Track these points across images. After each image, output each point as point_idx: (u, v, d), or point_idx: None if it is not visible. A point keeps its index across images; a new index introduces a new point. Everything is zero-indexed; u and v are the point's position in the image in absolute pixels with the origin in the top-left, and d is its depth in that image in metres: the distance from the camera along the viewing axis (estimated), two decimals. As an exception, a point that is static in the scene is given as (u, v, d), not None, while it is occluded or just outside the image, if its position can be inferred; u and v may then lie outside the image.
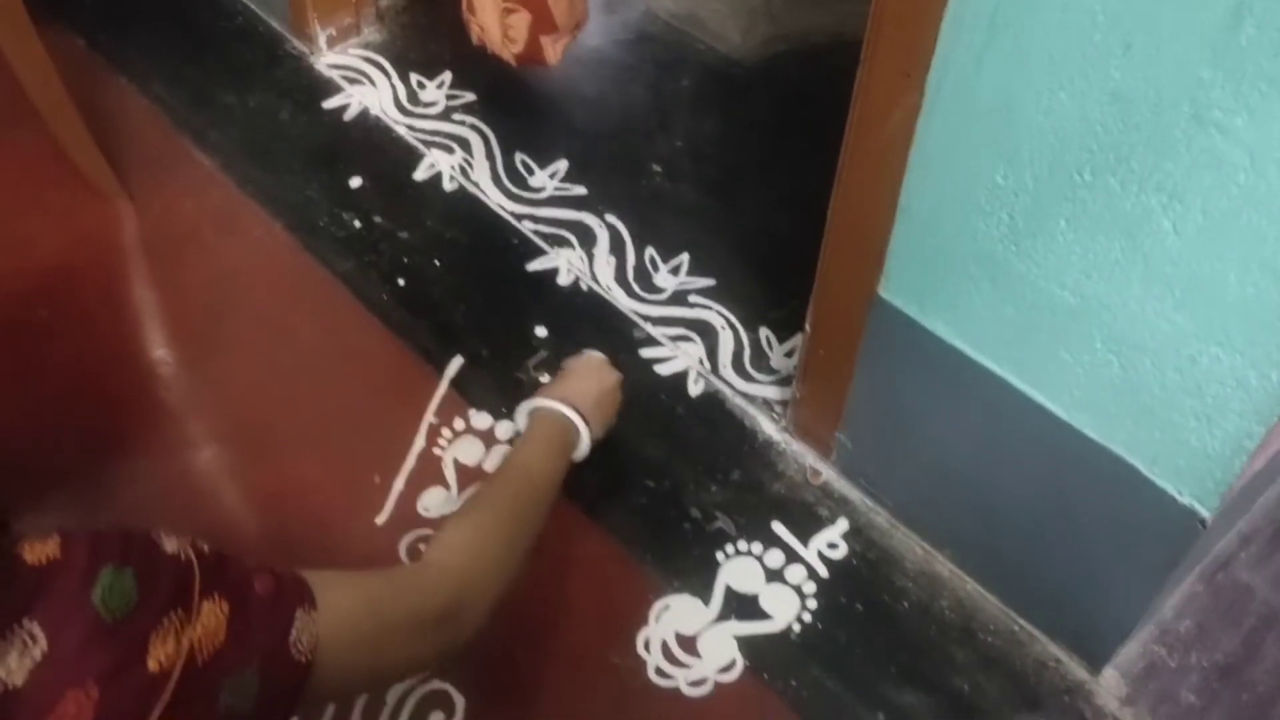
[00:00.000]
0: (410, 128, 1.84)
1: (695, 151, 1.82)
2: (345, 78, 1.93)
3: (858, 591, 1.30)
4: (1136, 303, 0.94)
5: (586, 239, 1.68)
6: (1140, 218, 0.90)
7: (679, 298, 1.60)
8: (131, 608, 0.65)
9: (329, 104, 1.88)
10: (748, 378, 1.51)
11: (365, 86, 1.91)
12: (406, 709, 1.20)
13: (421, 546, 1.32)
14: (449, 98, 1.90)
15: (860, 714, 1.21)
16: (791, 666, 1.24)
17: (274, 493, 1.38)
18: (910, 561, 1.33)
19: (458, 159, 1.79)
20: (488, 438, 1.44)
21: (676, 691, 1.22)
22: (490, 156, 1.80)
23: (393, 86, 1.91)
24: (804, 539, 1.34)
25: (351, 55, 1.97)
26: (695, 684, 1.23)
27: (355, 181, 1.75)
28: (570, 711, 1.21)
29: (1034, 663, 1.24)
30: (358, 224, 1.69)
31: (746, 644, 1.26)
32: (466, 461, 1.41)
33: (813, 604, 1.29)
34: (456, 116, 1.87)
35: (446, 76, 1.94)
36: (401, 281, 1.62)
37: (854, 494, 1.39)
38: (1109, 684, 1.22)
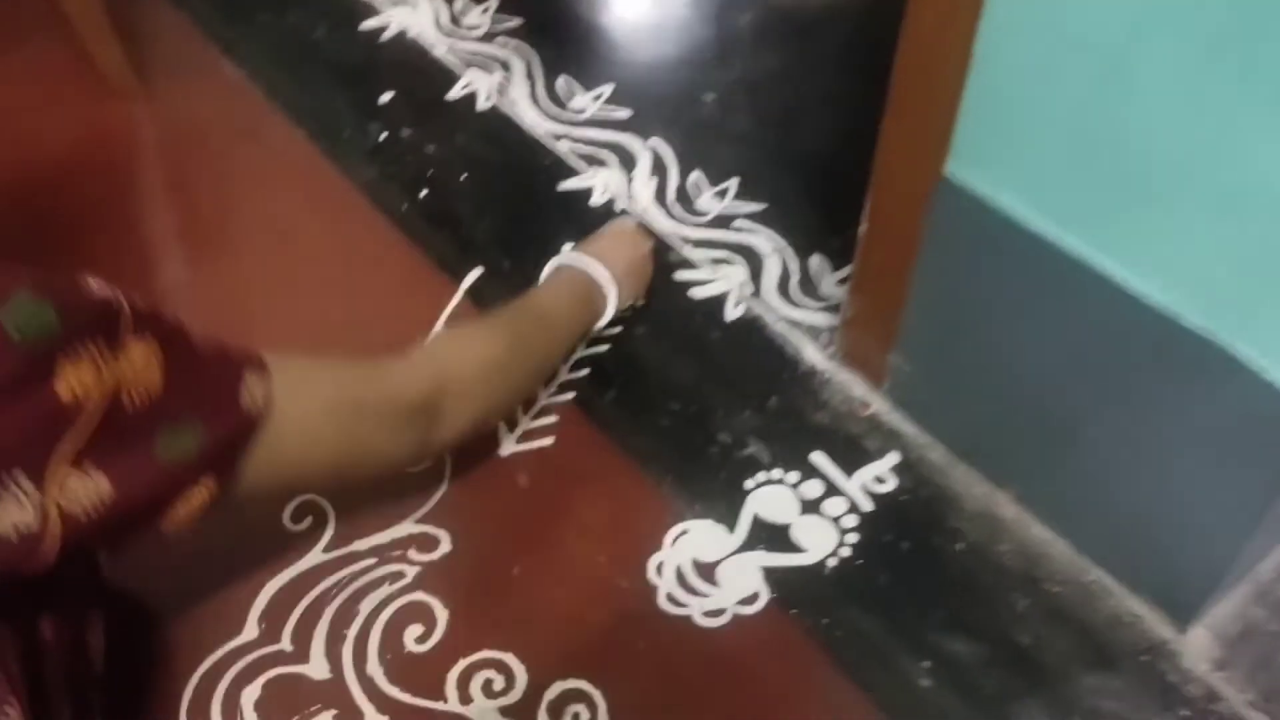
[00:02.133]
0: (449, 49, 1.73)
1: (752, 84, 1.68)
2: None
3: (906, 530, 1.13)
4: (1256, 148, 0.78)
5: (626, 160, 1.54)
6: (1261, 33, 0.74)
7: (723, 221, 1.46)
8: (46, 334, 0.59)
9: (366, 25, 1.78)
10: (794, 304, 1.35)
11: (405, 9, 1.80)
12: (382, 618, 1.05)
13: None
14: (494, 21, 1.79)
15: (902, 659, 1.04)
16: (824, 604, 1.08)
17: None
18: (968, 500, 1.16)
19: (495, 79, 1.67)
20: (501, 349, 1.30)
21: (688, 620, 1.06)
22: (530, 78, 1.68)
23: (434, 9, 1.80)
24: (847, 471, 1.18)
25: (395, -21, 1.87)
26: (711, 614, 1.07)
27: (385, 97, 1.65)
28: (568, 633, 1.06)
29: (1108, 617, 1.06)
30: (383, 136, 1.58)
31: (773, 576, 1.10)
32: (475, 371, 1.27)
33: (853, 539, 1.13)
34: (500, 39, 1.76)
35: (493, 3, 1.83)
36: (424, 193, 1.50)
37: (907, 427, 1.22)
38: (1198, 644, 1.04)
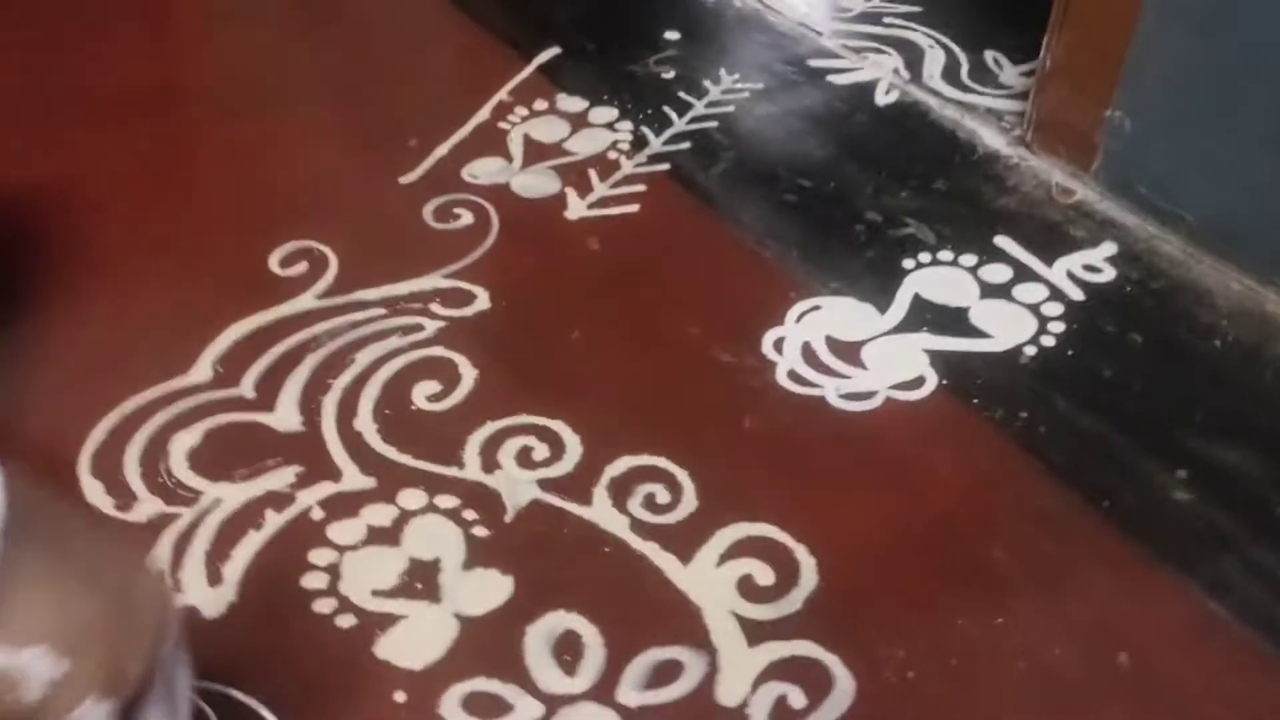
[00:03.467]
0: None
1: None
2: None
3: (1135, 322, 0.80)
4: None
5: (748, -34, 1.26)
6: None
7: (871, 17, 1.16)
8: None
9: None
10: (967, 89, 1.04)
11: None
12: (385, 370, 0.74)
13: (459, 211, 0.88)
14: None
15: (1145, 465, 0.69)
16: (1021, 396, 0.74)
17: (276, 145, 0.98)
18: (1222, 296, 0.82)
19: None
20: (578, 121, 1.01)
21: (820, 400, 0.73)
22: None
23: None
24: (1046, 259, 0.85)
25: None
26: (853, 396, 0.74)
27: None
28: (644, 404, 0.74)
29: None
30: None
31: (946, 360, 0.76)
32: (542, 139, 0.98)
33: (1058, 328, 0.79)
34: None
35: None
36: (497, -16, 1.22)
37: (1127, 216, 0.89)
38: None
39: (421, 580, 0.62)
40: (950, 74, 1.06)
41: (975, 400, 0.74)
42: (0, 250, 0.82)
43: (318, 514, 0.66)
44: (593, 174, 0.93)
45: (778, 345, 0.78)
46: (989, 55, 1.09)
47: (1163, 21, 0.81)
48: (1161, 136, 0.85)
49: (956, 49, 1.10)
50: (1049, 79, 0.92)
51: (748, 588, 0.62)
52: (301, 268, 0.84)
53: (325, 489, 0.67)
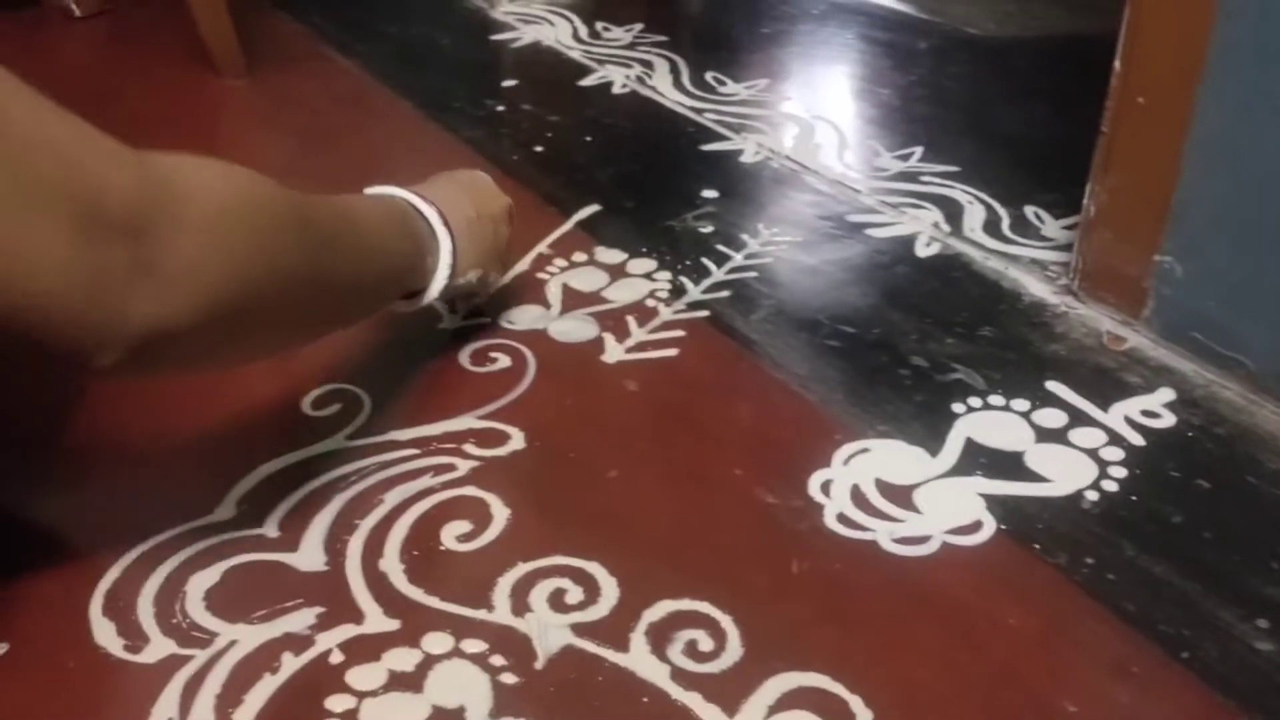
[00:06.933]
0: (586, 52, 1.53)
1: (934, 84, 1.42)
2: (521, 20, 1.66)
3: (1200, 468, 0.76)
4: None
5: (784, 128, 1.28)
6: None
7: (908, 176, 1.17)
8: None
9: (497, 37, 1.61)
10: (1009, 240, 1.03)
11: (542, 26, 1.63)
12: (414, 511, 0.71)
13: (495, 355, 0.87)
14: (636, 37, 1.60)
15: (1221, 613, 0.64)
16: (1086, 541, 0.70)
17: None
18: (1290, 442, 0.78)
19: (634, 72, 1.45)
20: (616, 271, 1.01)
21: (872, 545, 0.69)
22: (675, 71, 1.45)
23: (574, 27, 1.62)
24: (1101, 404, 0.82)
25: (535, 7, 1.71)
26: (908, 541, 0.70)
27: (509, 82, 1.44)
28: (685, 547, 0.70)
29: None
30: (501, 108, 1.36)
31: (1002, 505, 0.73)
32: (580, 288, 0.98)
33: (1120, 473, 0.75)
34: (642, 48, 1.55)
35: (638, 26, 1.64)
36: (539, 148, 1.25)
37: (1181, 364, 0.86)
38: None
39: (445, 729, 0.58)
40: (991, 227, 1.06)
41: (1037, 546, 0.69)
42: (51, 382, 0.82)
43: (337, 657, 0.62)
44: (630, 320, 0.92)
45: (825, 488, 0.74)
46: (1029, 210, 1.09)
47: (1208, 164, 0.80)
48: (1215, 280, 0.83)
49: (996, 204, 1.10)
50: (1094, 226, 0.90)
51: (800, 742, 0.57)
52: (334, 409, 0.82)
53: (346, 631, 0.63)
